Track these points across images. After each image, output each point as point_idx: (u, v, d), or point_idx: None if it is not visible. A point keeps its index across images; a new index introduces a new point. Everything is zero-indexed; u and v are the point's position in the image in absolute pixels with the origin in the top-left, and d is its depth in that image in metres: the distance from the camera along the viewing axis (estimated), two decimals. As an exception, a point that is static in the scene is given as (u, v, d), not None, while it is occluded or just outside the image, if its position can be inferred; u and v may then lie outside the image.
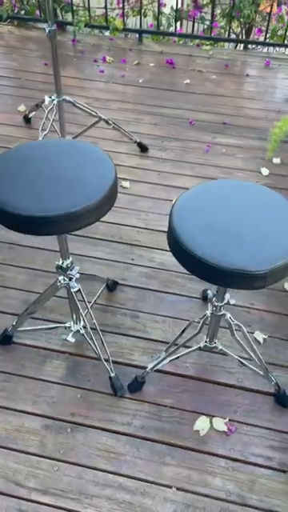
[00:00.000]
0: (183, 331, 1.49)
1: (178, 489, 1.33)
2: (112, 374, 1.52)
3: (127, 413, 1.49)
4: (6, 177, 1.15)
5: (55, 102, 2.25)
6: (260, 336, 1.70)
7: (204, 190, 1.24)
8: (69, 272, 1.40)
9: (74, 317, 1.59)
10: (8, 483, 1.33)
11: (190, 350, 1.54)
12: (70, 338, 1.59)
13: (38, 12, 3.70)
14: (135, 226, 2.12)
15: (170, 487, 1.34)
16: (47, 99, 2.26)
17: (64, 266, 1.38)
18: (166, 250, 2.02)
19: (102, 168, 1.18)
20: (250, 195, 1.21)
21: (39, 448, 1.41)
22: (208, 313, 1.42)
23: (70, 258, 1.39)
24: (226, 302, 1.37)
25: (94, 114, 2.41)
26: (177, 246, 1.10)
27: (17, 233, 2.02)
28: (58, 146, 1.25)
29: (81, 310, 1.52)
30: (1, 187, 1.11)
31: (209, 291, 1.79)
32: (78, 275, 1.43)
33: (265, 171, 2.44)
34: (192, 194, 1.21)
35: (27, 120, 2.72)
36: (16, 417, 1.48)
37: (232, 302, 1.38)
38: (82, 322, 1.61)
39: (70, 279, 1.42)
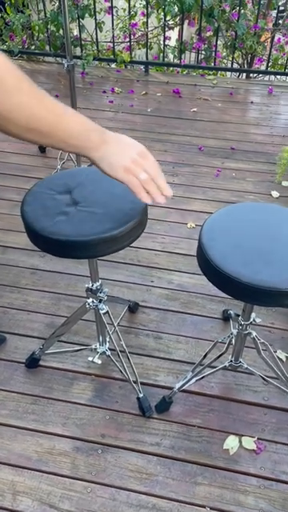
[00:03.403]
0: (209, 351, 1.52)
1: (211, 508, 1.34)
2: (140, 395, 1.55)
3: (156, 433, 1.51)
4: (42, 205, 1.20)
5: (72, 131, 2.34)
6: (282, 354, 1.72)
7: (229, 212, 1.29)
8: (98, 294, 1.44)
9: (101, 338, 1.62)
10: (43, 506, 1.34)
11: (215, 369, 1.56)
12: (97, 360, 1.61)
13: (47, 47, 3.86)
14: (153, 249, 2.17)
15: (204, 507, 1.34)
16: (64, 129, 2.34)
17: (94, 288, 1.43)
18: (185, 272, 2.07)
19: (132, 194, 1.23)
20: (274, 215, 1.27)
21: (71, 470, 1.42)
22: (234, 332, 1.46)
23: (100, 281, 1.44)
24: (251, 320, 1.41)
25: (108, 142, 2.49)
26: (208, 266, 1.14)
27: (38, 258, 2.11)
28: (89, 174, 1.31)
29: (108, 330, 1.55)
30: (39, 214, 1.17)
31: (230, 311, 1.83)
32: (106, 297, 1.47)
33: (275, 194, 2.51)
34: (219, 216, 1.26)
35: (42, 150, 2.81)
36: (47, 439, 1.49)
37: (258, 320, 1.42)
38: (108, 344, 1.64)
39: (100, 301, 1.46)
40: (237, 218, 1.26)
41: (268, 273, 1.08)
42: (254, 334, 1.45)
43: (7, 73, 0.76)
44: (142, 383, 1.62)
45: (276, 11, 3.96)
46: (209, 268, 1.14)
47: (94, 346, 1.66)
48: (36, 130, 0.81)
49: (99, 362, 1.62)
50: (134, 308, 1.89)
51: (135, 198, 1.23)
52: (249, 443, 1.47)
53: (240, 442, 1.47)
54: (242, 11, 3.39)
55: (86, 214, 1.17)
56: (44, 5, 3.67)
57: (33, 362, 1.68)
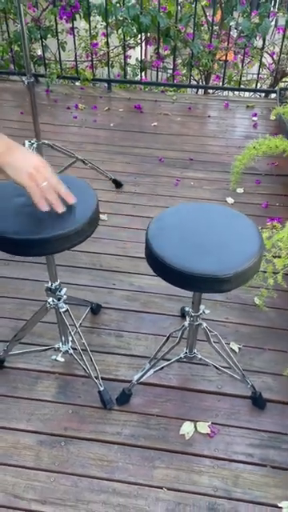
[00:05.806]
0: (164, 344, 1.62)
1: (168, 489, 1.42)
2: (101, 388, 1.63)
3: (117, 423, 1.59)
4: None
5: (35, 145, 2.44)
6: (235, 346, 1.84)
7: (174, 211, 1.42)
8: (57, 293, 1.53)
9: (63, 338, 1.70)
10: (8, 496, 1.40)
11: (171, 360, 1.66)
12: (60, 358, 1.69)
13: (12, 66, 3.97)
14: (115, 254, 2.28)
15: (161, 488, 1.43)
16: (27, 143, 2.44)
17: (53, 287, 1.51)
18: (145, 274, 2.18)
19: (85, 195, 1.34)
20: (213, 214, 1.40)
21: (35, 462, 1.49)
22: (186, 323, 1.57)
23: (59, 280, 1.53)
24: (201, 312, 1.52)
25: (71, 155, 2.61)
26: (153, 259, 1.26)
27: (2, 266, 2.17)
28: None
29: (70, 330, 1.64)
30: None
31: (186, 307, 1.94)
32: (65, 296, 1.55)
33: (230, 200, 2.67)
34: (164, 216, 1.39)
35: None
36: (11, 435, 1.56)
37: (207, 311, 1.53)
38: (71, 343, 1.72)
39: (59, 299, 1.54)
40: (180, 217, 1.38)
41: (206, 262, 1.20)
42: (205, 324, 1.56)
43: None
44: (103, 378, 1.70)
45: (231, 32, 4.19)
46: (154, 261, 1.26)
47: (57, 346, 1.74)
48: None
49: (62, 360, 1.70)
50: (96, 310, 1.98)
51: (87, 200, 1.34)
52: (203, 428, 1.57)
53: (195, 427, 1.57)
54: (197, 32, 3.60)
55: (42, 214, 1.27)
56: (7, 26, 3.80)
57: (-2, 364, 1.75)
